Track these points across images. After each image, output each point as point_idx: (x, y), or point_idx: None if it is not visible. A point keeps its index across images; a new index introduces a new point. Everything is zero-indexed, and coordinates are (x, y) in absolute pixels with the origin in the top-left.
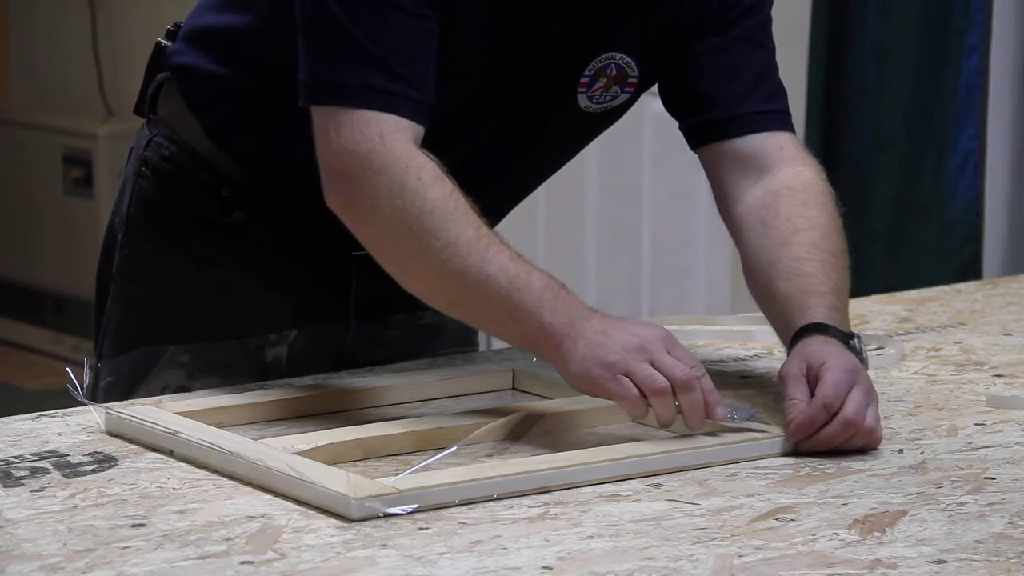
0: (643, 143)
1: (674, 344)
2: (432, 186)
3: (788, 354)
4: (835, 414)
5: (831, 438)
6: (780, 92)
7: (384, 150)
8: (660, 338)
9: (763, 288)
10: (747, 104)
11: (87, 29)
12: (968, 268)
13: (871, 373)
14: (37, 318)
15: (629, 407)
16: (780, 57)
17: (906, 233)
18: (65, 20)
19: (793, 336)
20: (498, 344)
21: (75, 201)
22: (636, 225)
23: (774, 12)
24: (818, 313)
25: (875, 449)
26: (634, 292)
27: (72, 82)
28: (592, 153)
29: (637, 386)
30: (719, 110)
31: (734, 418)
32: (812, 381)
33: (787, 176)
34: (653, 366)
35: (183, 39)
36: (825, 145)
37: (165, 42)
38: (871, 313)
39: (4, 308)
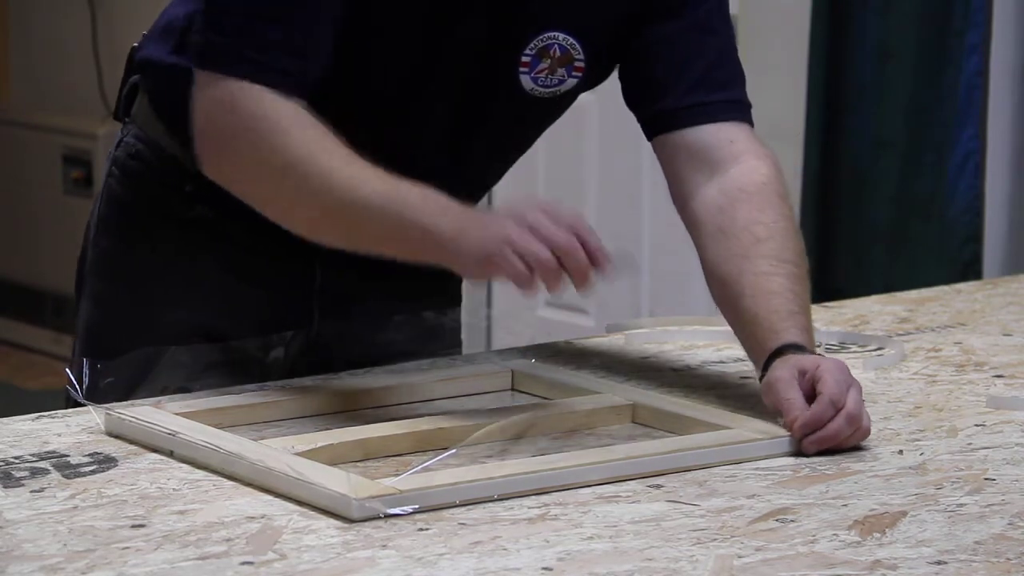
0: (643, 144)
1: (553, 208)
2: (288, 134)
3: (761, 371)
4: (838, 410)
5: (838, 432)
6: (735, 80)
7: (241, 113)
8: (535, 206)
9: (728, 301)
10: (696, 94)
11: (87, 29)
12: (968, 268)
13: (871, 374)
14: (37, 318)
15: (518, 282)
16: (780, 57)
17: (906, 233)
18: (65, 20)
19: (770, 355)
20: (498, 344)
21: (75, 201)
22: (636, 226)
23: (774, 12)
24: (791, 335)
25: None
26: (634, 294)
27: (72, 82)
28: (592, 154)
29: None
30: (668, 100)
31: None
32: (806, 384)
33: (740, 175)
34: (537, 235)
35: (149, 34)
36: (825, 145)
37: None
38: (871, 313)
39: (4, 308)
